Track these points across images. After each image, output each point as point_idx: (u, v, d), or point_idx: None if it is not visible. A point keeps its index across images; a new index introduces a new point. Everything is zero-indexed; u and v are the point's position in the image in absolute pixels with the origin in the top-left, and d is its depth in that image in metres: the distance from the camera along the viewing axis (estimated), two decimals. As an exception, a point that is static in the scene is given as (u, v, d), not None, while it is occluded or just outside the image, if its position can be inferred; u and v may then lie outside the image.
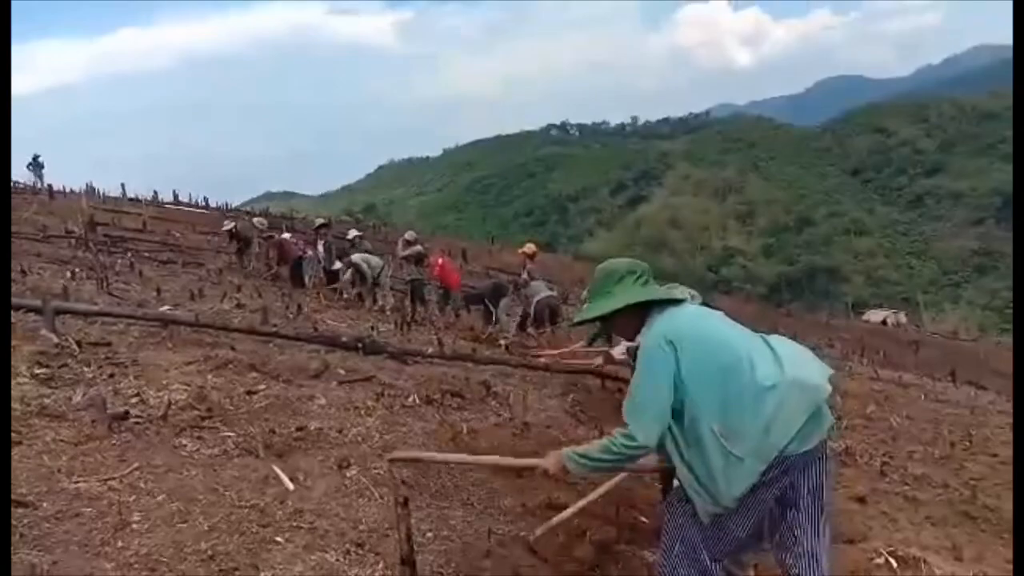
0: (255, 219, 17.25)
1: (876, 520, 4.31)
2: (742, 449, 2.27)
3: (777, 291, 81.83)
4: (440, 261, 12.94)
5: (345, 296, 12.68)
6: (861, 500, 4.68)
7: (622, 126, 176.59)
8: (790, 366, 2.37)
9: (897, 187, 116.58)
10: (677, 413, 2.36)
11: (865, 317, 43.93)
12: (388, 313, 11.32)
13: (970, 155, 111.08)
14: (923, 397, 11.03)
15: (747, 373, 2.32)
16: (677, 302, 2.50)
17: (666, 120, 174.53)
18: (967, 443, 7.10)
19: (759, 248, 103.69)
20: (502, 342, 9.89)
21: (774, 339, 2.54)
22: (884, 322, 40.82)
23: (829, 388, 2.41)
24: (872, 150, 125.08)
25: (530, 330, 10.69)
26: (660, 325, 2.41)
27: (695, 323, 2.43)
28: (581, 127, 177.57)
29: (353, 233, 15.10)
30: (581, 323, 2.85)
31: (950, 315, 62.50)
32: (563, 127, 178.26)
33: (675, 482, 2.60)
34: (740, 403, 2.29)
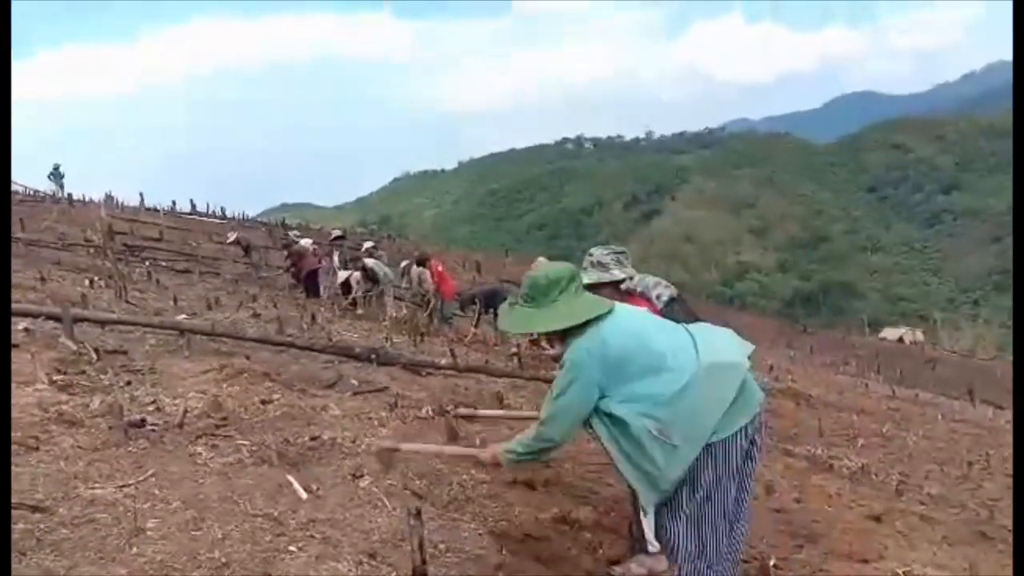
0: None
1: (892, 539, 4.27)
2: (677, 438, 2.43)
3: (792, 307, 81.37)
4: (438, 268, 12.99)
5: (357, 301, 12.75)
6: (877, 519, 4.63)
7: (637, 140, 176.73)
8: (705, 353, 2.53)
9: (914, 204, 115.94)
10: (609, 412, 2.51)
11: (882, 334, 43.55)
12: (387, 322, 11.35)
13: (987, 173, 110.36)
14: (940, 416, 10.94)
15: (670, 370, 2.48)
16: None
17: (681, 134, 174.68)
18: (984, 463, 7.03)
19: (774, 263, 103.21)
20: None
21: (695, 328, 2.71)
22: (901, 339, 40.49)
23: (747, 364, 2.56)
24: (889, 166, 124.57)
25: (544, 344, 10.68)
26: (586, 336, 2.54)
27: (619, 330, 2.55)
28: (596, 140, 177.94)
29: (367, 244, 15.21)
30: (528, 333, 3.08)
31: (967, 333, 61.80)
32: (578, 140, 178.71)
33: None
34: (668, 399, 2.44)
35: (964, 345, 45.49)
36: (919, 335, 42.85)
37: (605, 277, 3.30)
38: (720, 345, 2.61)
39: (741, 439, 2.53)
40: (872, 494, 5.37)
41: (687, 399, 2.44)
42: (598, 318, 2.56)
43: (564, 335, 2.61)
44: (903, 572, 3.68)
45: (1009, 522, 4.94)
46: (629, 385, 2.48)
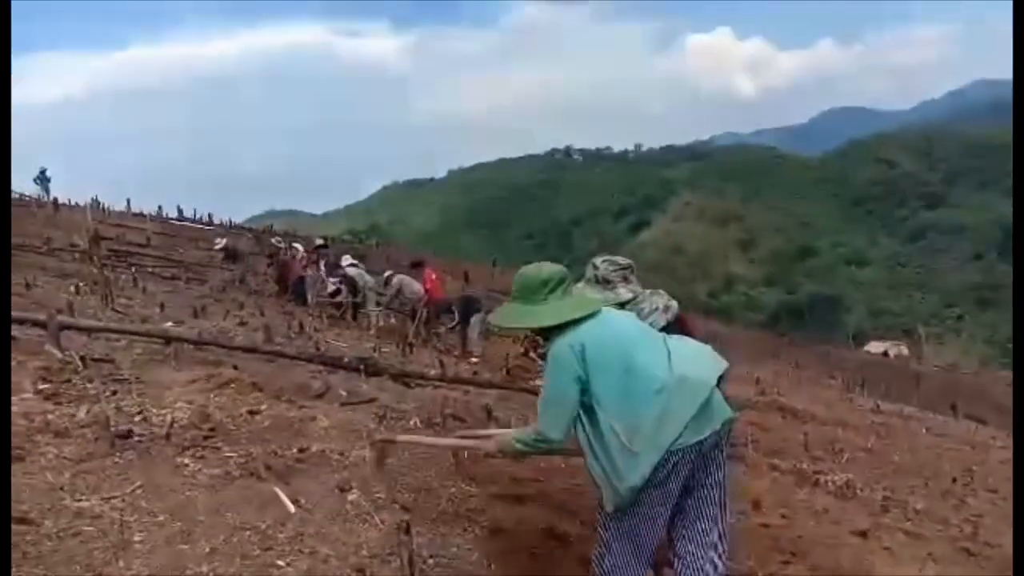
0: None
1: (877, 555, 4.29)
2: (638, 444, 2.49)
3: (778, 320, 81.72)
4: (432, 276, 12.83)
5: (342, 308, 12.76)
6: (863, 535, 4.66)
7: (626, 152, 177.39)
8: (679, 364, 2.59)
9: (899, 219, 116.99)
10: (587, 409, 2.59)
11: (866, 348, 43.84)
12: (372, 332, 11.35)
13: (972, 189, 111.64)
14: (924, 431, 11.02)
15: (643, 375, 2.54)
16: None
17: (670, 147, 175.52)
18: (968, 478, 7.08)
19: (761, 276, 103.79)
20: (474, 359, 9.93)
21: (673, 339, 2.76)
22: (885, 353, 40.77)
23: (713, 383, 2.60)
24: (874, 181, 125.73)
25: (532, 354, 10.70)
26: (569, 333, 2.61)
27: (600, 329, 2.63)
28: (585, 152, 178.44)
29: (347, 261, 14.73)
30: (519, 330, 3.10)
31: (951, 348, 62.29)
32: (567, 151, 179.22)
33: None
34: (636, 403, 2.52)
35: (947, 360, 45.83)
36: (903, 349, 43.19)
37: (611, 298, 3.18)
38: (693, 360, 2.67)
39: (692, 454, 2.55)
40: (857, 509, 5.41)
41: (654, 408, 2.50)
42: (583, 318, 2.64)
43: (550, 332, 2.68)
44: (888, 588, 3.70)
45: (992, 538, 4.99)
46: (604, 387, 2.55)
